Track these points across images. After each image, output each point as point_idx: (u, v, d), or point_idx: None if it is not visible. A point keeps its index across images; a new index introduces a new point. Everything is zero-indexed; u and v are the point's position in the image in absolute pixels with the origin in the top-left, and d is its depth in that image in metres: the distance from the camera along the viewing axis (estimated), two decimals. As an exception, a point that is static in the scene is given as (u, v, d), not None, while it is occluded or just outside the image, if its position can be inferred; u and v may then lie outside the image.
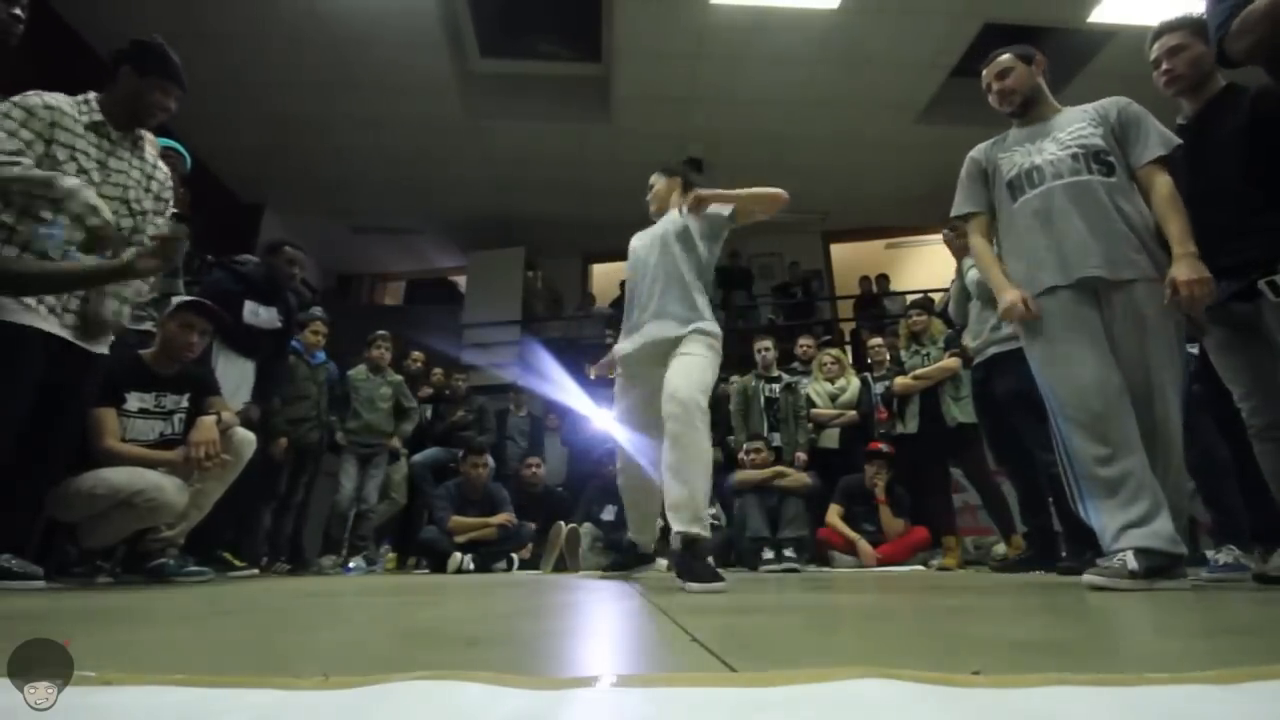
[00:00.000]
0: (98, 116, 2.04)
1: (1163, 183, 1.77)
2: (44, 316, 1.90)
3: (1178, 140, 1.82)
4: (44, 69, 3.41)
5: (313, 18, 5.09)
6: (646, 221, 2.50)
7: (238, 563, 3.23)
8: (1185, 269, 1.64)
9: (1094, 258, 1.75)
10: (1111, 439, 1.66)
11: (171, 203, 2.28)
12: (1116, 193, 1.80)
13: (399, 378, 4.69)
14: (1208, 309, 1.75)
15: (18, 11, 1.95)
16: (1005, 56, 2.01)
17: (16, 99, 1.92)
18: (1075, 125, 1.89)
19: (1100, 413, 1.68)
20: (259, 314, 3.35)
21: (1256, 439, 1.82)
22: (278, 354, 3.56)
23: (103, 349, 2.14)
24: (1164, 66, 1.91)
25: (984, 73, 2.05)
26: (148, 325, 2.74)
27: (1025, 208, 1.89)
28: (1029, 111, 1.99)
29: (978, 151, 2.06)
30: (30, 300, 1.86)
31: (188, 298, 2.66)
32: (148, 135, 2.24)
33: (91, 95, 2.06)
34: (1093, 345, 1.74)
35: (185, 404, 2.55)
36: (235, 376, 3.19)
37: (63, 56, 4.55)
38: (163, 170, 2.24)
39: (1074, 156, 1.84)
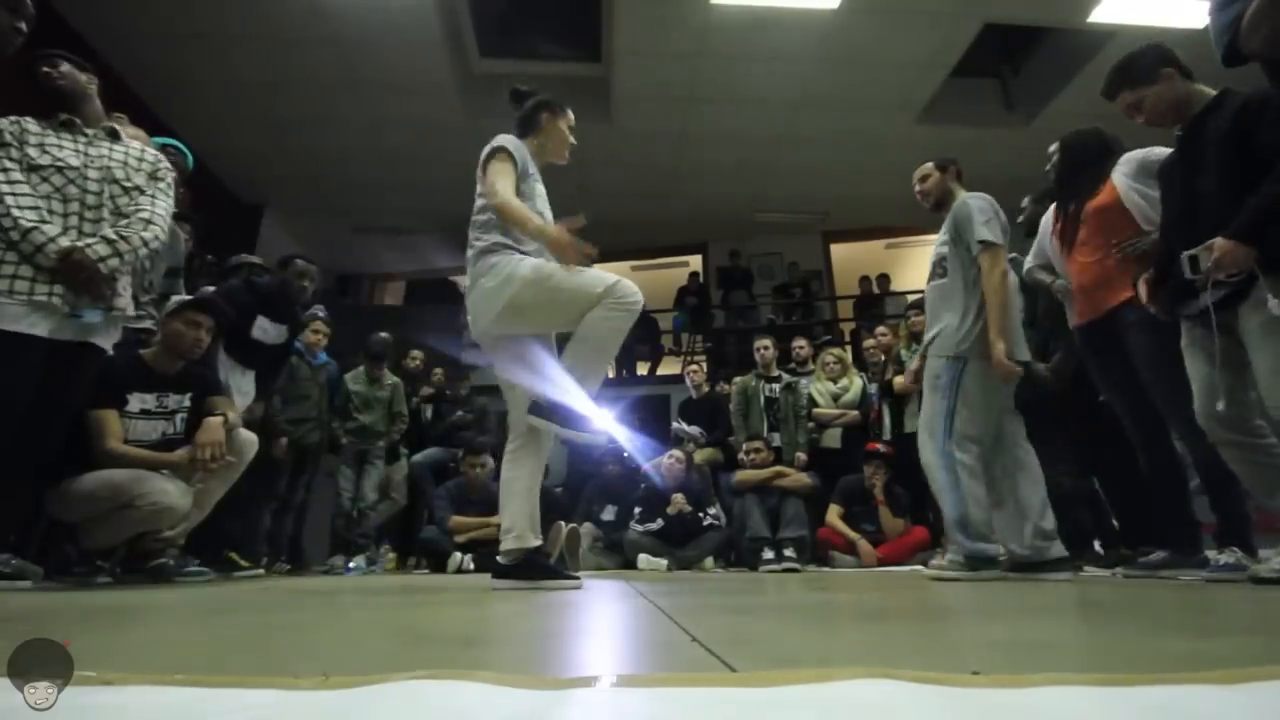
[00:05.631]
0: (64, 116, 2.18)
1: (985, 271, 2.27)
2: (31, 314, 1.92)
3: (988, 236, 2.27)
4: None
5: (313, 18, 5.08)
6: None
7: (244, 563, 3.23)
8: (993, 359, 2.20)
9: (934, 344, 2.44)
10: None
11: (172, 174, 2.42)
12: (945, 294, 2.37)
13: (396, 380, 4.70)
14: (1193, 315, 1.84)
15: (21, 25, 1.98)
16: (927, 165, 2.52)
17: None
18: (940, 234, 2.43)
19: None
20: (268, 331, 3.36)
21: (1216, 444, 1.85)
22: (276, 364, 3.59)
23: (106, 343, 2.15)
24: (1140, 120, 1.99)
25: (914, 175, 2.56)
26: (147, 324, 2.74)
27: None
28: (941, 209, 2.49)
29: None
30: (8, 298, 1.88)
31: (189, 297, 2.67)
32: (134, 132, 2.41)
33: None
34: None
35: (187, 403, 2.54)
36: (240, 384, 3.22)
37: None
38: (151, 152, 2.38)
39: (933, 266, 2.44)
